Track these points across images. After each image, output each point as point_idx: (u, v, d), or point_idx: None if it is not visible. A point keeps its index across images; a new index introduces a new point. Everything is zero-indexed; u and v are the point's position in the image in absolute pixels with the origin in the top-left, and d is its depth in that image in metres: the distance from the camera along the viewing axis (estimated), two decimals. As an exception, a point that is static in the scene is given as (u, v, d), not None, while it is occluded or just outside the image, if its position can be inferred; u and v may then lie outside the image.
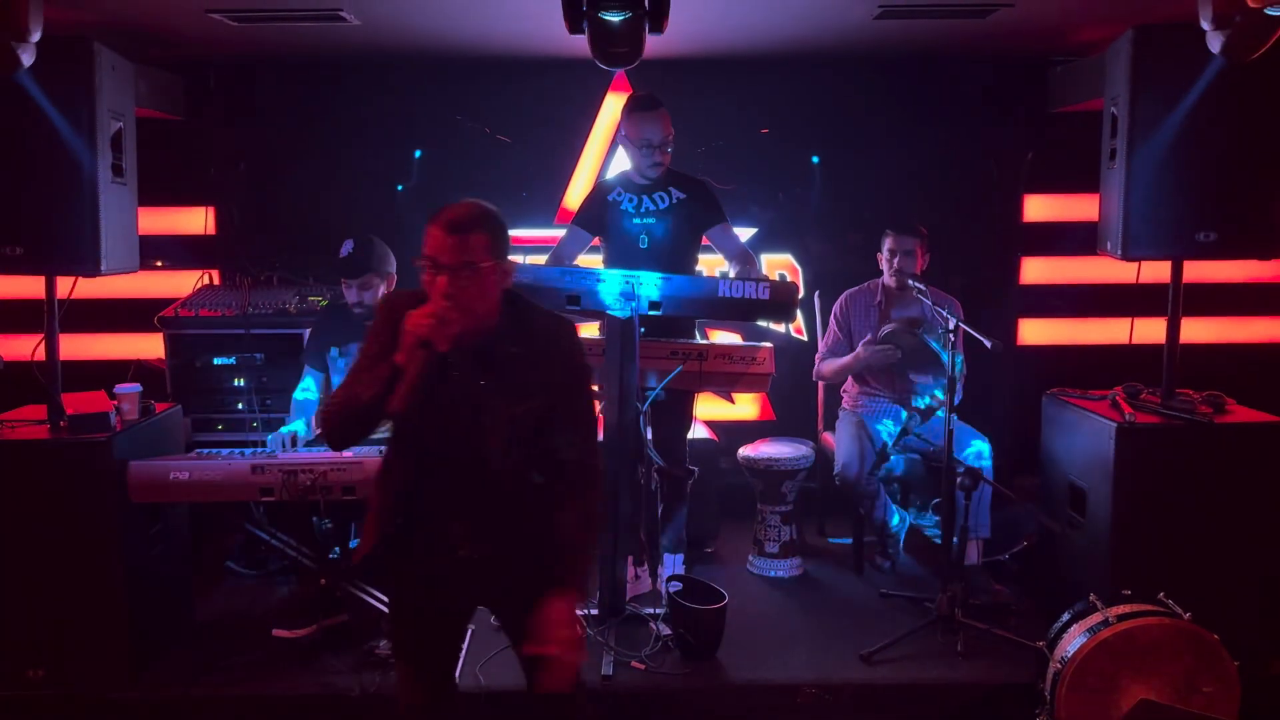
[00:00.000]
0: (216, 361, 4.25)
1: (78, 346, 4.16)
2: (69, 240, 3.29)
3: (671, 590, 3.56)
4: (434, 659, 2.42)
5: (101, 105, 3.29)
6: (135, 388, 3.50)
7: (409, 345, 2.06)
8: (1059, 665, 2.90)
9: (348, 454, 3.32)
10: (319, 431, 2.05)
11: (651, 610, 3.65)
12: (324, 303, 4.27)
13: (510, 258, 2.23)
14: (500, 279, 2.18)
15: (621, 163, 4.61)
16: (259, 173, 4.84)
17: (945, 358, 3.63)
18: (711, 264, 4.54)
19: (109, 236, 3.34)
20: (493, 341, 2.20)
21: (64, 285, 3.44)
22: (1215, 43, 2.89)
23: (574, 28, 3.09)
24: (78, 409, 3.31)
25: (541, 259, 4.18)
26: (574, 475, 2.27)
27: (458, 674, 3.28)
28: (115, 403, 3.40)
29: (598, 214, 3.94)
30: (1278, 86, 3.30)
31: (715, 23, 3.98)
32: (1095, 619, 2.92)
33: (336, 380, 3.89)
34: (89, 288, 3.51)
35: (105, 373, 3.86)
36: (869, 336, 4.09)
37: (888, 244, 4.15)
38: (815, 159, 4.91)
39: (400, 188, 4.88)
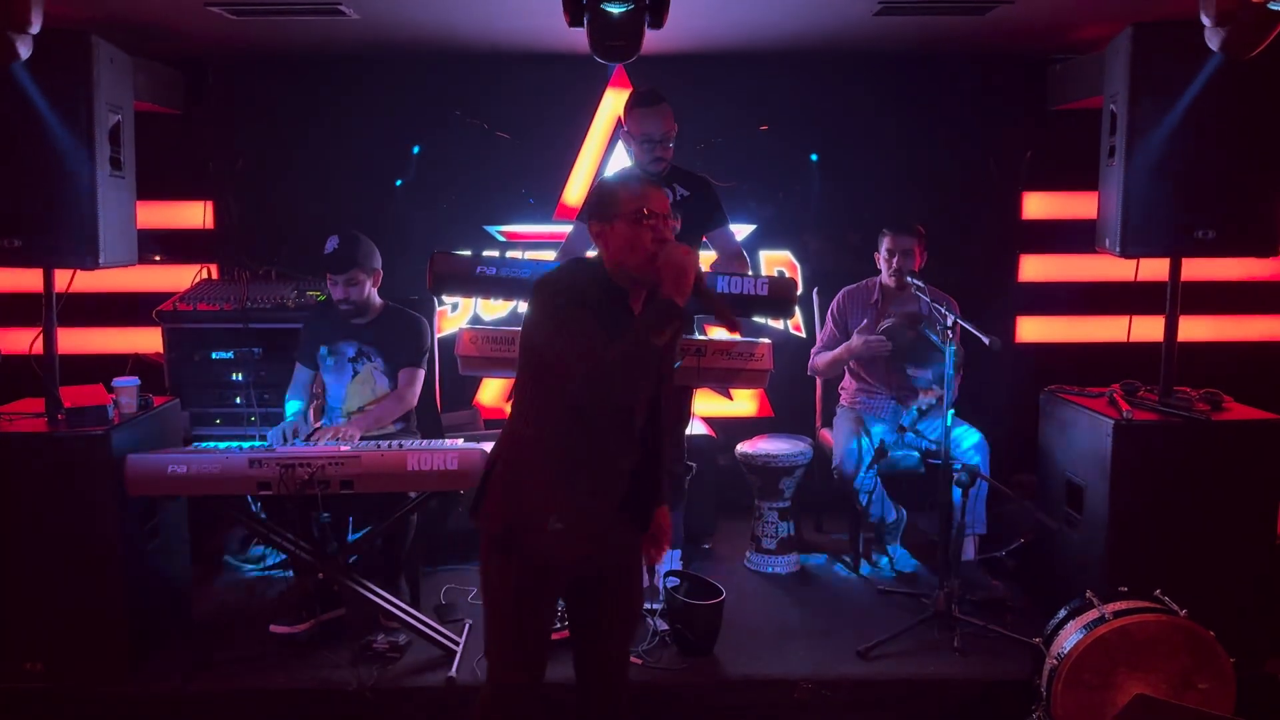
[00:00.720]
0: (214, 356, 4.25)
1: (75, 340, 4.15)
2: (67, 233, 3.28)
3: (669, 585, 3.57)
4: (547, 630, 2.47)
5: (100, 98, 3.29)
6: (133, 381, 3.49)
7: (689, 279, 2.22)
8: (1055, 662, 2.90)
9: (345, 448, 3.32)
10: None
11: (649, 605, 3.65)
12: (322, 297, 4.27)
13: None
14: None
15: (621, 159, 4.61)
16: (257, 167, 4.84)
17: (946, 350, 3.62)
18: (705, 260, 4.53)
19: (107, 230, 3.34)
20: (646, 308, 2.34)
21: (62, 279, 3.44)
22: (1215, 39, 2.89)
23: (574, 20, 3.09)
24: (76, 402, 3.30)
25: (542, 254, 4.18)
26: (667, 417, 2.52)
27: (454, 669, 3.30)
28: (113, 396, 3.40)
29: None
30: (1277, 84, 3.30)
31: (714, 18, 3.98)
32: (1092, 615, 2.92)
33: (328, 379, 3.90)
34: (87, 281, 3.51)
35: (103, 367, 3.86)
36: (864, 322, 4.10)
37: (885, 243, 4.15)
38: (814, 156, 4.91)
39: (399, 183, 4.87)
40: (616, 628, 2.56)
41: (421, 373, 3.92)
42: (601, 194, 2.42)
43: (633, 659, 3.36)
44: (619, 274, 2.33)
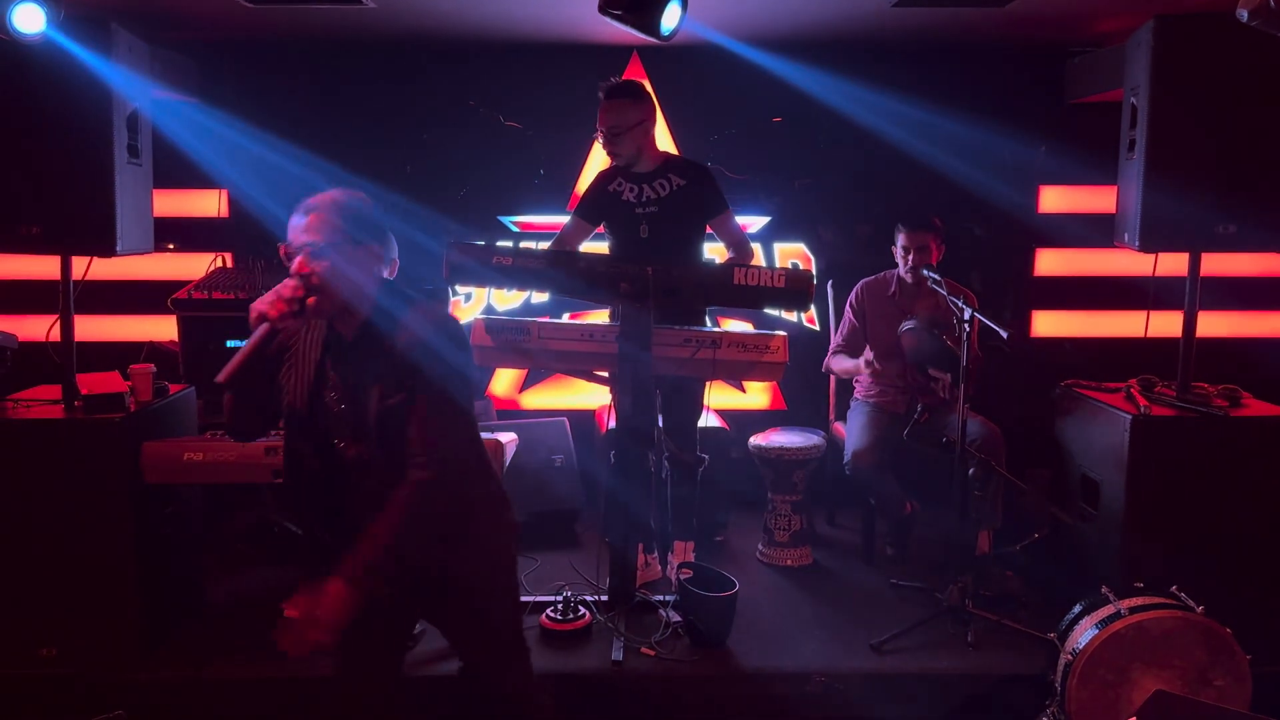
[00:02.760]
0: (229, 344, 4.25)
1: (91, 328, 4.16)
2: (85, 220, 3.29)
3: (682, 577, 3.57)
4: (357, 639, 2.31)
5: (118, 86, 3.29)
6: (149, 368, 3.50)
7: (252, 321, 2.09)
8: (1070, 657, 2.89)
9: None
10: None
11: (662, 597, 3.66)
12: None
13: (375, 245, 2.21)
14: (356, 264, 2.16)
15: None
16: (272, 155, 4.83)
17: (962, 350, 3.60)
18: (717, 250, 4.52)
19: (124, 217, 3.34)
20: (360, 333, 2.21)
21: (79, 266, 3.45)
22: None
23: None
24: (92, 389, 3.32)
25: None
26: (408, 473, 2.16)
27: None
28: (129, 383, 3.41)
29: (596, 204, 3.88)
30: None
31: (731, 8, 3.96)
32: (1107, 611, 2.90)
33: None
34: (103, 269, 3.52)
35: (118, 354, 3.87)
36: (870, 356, 4.05)
37: (901, 240, 4.13)
38: (829, 148, 4.89)
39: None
40: (453, 642, 2.53)
41: None
42: None
43: (645, 650, 3.38)
44: None
